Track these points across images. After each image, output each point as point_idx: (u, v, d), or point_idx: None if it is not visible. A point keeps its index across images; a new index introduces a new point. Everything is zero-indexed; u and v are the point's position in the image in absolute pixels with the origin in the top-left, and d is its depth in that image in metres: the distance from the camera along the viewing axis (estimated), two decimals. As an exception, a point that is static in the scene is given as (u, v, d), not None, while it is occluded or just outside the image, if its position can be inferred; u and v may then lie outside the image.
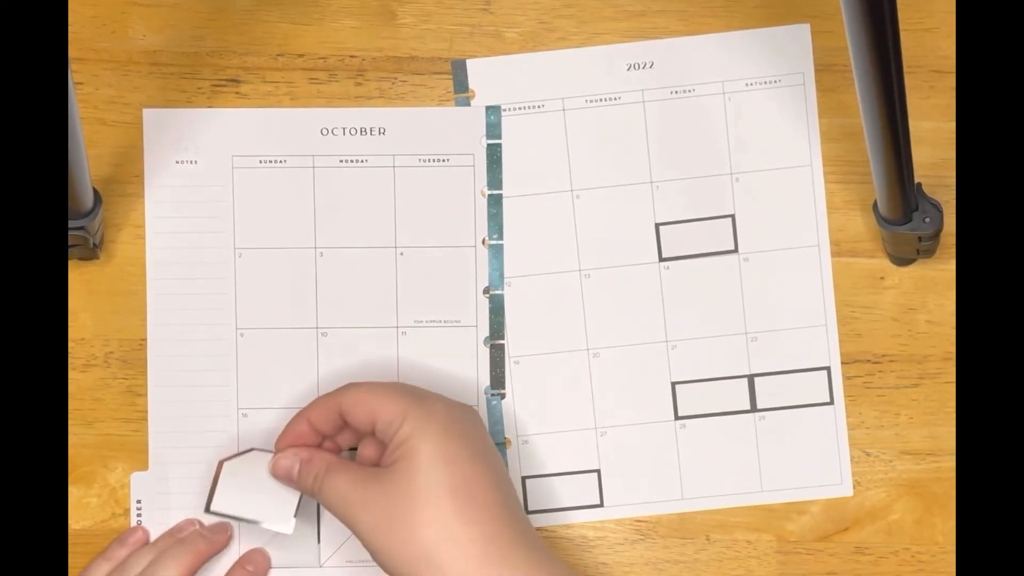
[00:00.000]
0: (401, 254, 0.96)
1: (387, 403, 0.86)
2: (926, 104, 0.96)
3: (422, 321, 0.96)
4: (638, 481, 0.96)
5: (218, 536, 0.93)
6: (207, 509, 0.92)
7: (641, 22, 0.97)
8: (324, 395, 0.90)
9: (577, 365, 0.96)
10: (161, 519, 0.94)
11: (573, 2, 0.97)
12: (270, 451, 0.91)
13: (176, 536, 0.93)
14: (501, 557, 0.83)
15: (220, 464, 0.92)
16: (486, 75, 0.97)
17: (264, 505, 0.91)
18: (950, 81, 0.96)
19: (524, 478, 0.96)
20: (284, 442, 0.90)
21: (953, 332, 0.95)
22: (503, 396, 0.96)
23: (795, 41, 0.97)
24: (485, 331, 0.96)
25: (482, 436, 0.88)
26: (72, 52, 0.96)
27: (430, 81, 0.97)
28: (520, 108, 0.97)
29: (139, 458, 0.95)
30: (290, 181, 0.96)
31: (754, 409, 0.96)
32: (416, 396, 0.87)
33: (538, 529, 0.95)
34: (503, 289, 0.96)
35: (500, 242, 0.97)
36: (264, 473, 0.91)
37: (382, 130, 0.97)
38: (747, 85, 0.97)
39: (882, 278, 0.96)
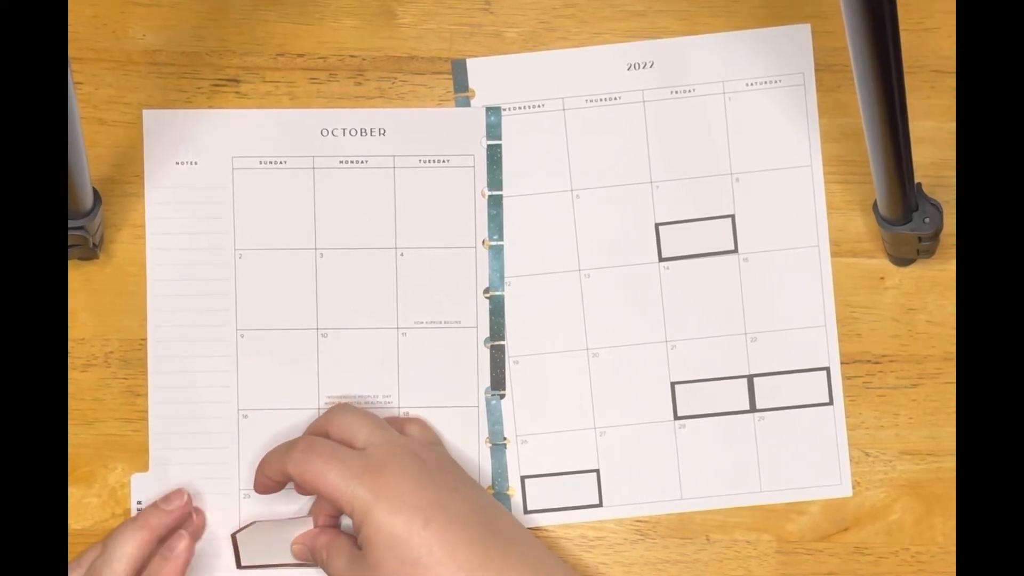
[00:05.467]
0: (401, 255, 0.96)
1: (330, 490, 0.88)
2: (926, 104, 0.96)
3: (422, 322, 0.96)
4: (637, 481, 0.96)
5: (173, 504, 0.93)
6: (239, 566, 0.93)
7: (641, 22, 0.97)
8: (271, 454, 0.92)
9: (577, 365, 0.96)
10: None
11: (573, 2, 0.98)
12: (268, 520, 0.94)
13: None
14: None
15: (233, 536, 0.93)
16: (486, 75, 0.97)
17: (285, 553, 0.93)
18: (950, 81, 0.97)
19: (524, 478, 0.96)
20: (257, 488, 0.93)
21: (953, 332, 0.95)
22: (503, 396, 0.96)
23: (795, 41, 0.97)
24: (485, 332, 0.96)
25: (434, 484, 0.88)
26: (72, 52, 0.96)
27: (430, 81, 0.97)
28: (520, 108, 0.97)
29: (139, 458, 0.95)
30: (290, 182, 0.96)
31: (753, 409, 0.96)
32: (356, 474, 0.88)
33: (538, 529, 0.95)
34: (503, 290, 0.96)
35: (500, 243, 0.97)
36: (273, 534, 0.93)
37: (382, 131, 0.97)
38: (747, 85, 0.97)
39: (882, 278, 0.96)
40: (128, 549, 0.89)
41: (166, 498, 0.93)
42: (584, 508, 0.96)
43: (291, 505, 0.94)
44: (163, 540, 0.92)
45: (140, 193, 0.97)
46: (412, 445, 0.90)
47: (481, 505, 0.89)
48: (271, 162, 0.97)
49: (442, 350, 0.96)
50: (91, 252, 0.95)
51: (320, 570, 0.92)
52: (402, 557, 0.86)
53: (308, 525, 0.92)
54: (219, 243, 0.96)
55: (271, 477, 0.92)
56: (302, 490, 0.91)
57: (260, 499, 0.94)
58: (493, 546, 0.87)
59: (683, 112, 0.97)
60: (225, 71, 0.97)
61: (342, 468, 0.88)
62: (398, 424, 0.94)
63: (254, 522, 0.94)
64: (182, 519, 0.93)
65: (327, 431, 0.91)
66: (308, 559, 0.92)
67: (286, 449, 0.91)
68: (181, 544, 0.91)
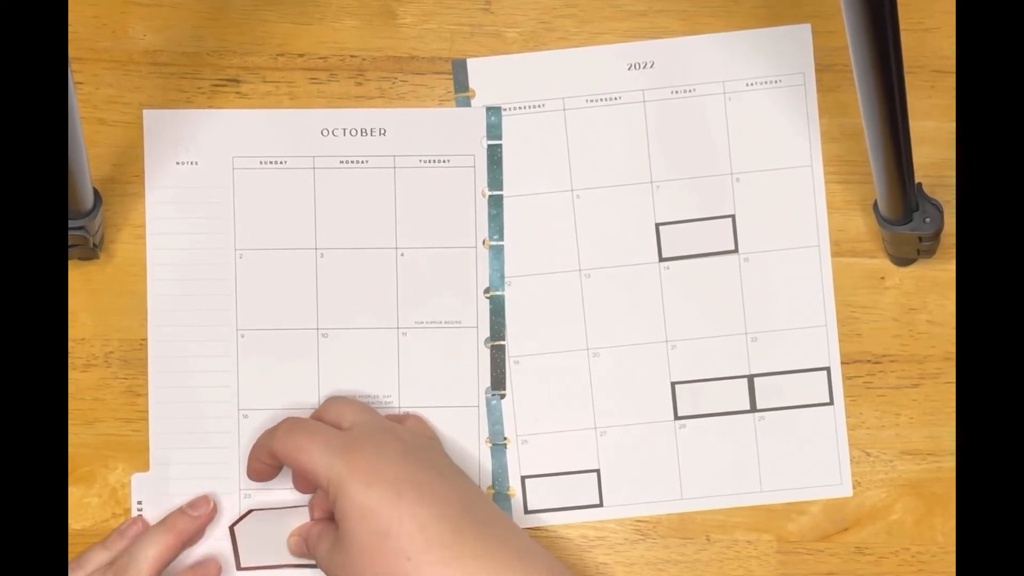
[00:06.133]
0: (402, 255, 0.96)
1: (308, 463, 0.88)
2: (926, 104, 0.96)
3: (423, 322, 0.96)
4: (638, 481, 0.96)
5: (199, 511, 0.94)
6: (238, 567, 0.94)
7: (641, 22, 0.97)
8: (261, 436, 0.93)
9: (577, 365, 0.96)
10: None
11: (573, 2, 0.98)
12: (266, 508, 0.94)
13: (122, 532, 0.94)
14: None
15: (231, 529, 0.94)
16: (486, 75, 0.97)
17: (284, 550, 0.93)
18: (950, 81, 0.97)
19: (524, 478, 0.96)
20: (250, 474, 0.94)
21: (953, 332, 0.95)
22: (503, 396, 0.96)
23: (795, 41, 0.97)
24: (486, 332, 0.96)
25: (412, 463, 0.88)
26: (72, 52, 0.96)
27: (430, 81, 0.97)
28: (520, 108, 0.97)
29: (139, 458, 0.95)
30: (290, 182, 0.96)
31: (754, 409, 0.96)
32: (335, 448, 0.88)
33: (538, 529, 0.95)
34: (503, 290, 0.96)
35: (501, 243, 0.97)
36: (271, 527, 0.93)
37: (383, 131, 0.97)
38: (747, 85, 0.97)
39: (882, 278, 0.96)
40: (153, 552, 0.91)
41: (192, 504, 0.94)
42: (584, 508, 0.96)
43: (290, 495, 0.94)
44: (186, 544, 0.93)
45: (140, 193, 0.97)
46: (398, 429, 0.91)
47: (461, 488, 0.89)
48: (271, 162, 0.97)
49: (442, 350, 0.96)
50: (91, 252, 0.95)
51: (318, 571, 0.92)
52: (373, 529, 0.85)
53: (304, 516, 0.92)
54: (219, 243, 0.96)
55: (261, 460, 0.92)
56: (296, 483, 0.92)
57: (260, 500, 0.94)
58: (468, 525, 0.86)
59: (683, 112, 0.97)
60: (225, 71, 0.97)
61: (323, 444, 0.88)
62: (395, 420, 0.94)
63: (251, 511, 0.94)
64: (207, 525, 0.94)
65: (320, 420, 0.92)
66: (303, 551, 0.92)
67: (272, 430, 0.91)
68: (214, 567, 0.94)
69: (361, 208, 0.96)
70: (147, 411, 0.95)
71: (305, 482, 0.92)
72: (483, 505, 0.89)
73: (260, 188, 0.97)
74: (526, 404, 0.96)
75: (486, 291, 0.96)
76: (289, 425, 0.91)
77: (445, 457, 0.92)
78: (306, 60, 0.98)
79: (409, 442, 0.89)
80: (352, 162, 0.97)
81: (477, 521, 0.87)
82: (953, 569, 0.94)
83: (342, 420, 0.91)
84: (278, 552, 0.93)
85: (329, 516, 0.92)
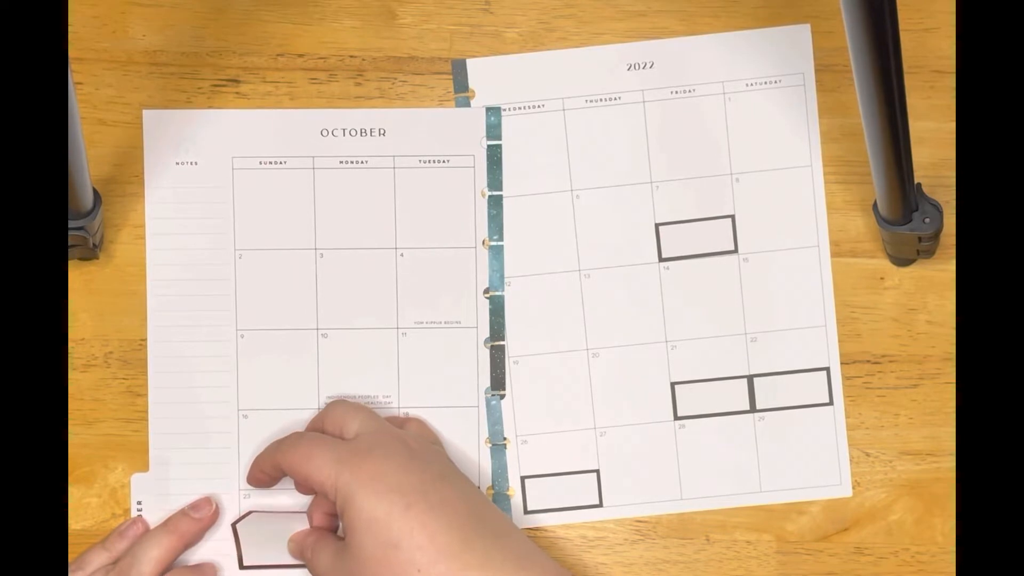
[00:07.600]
0: (401, 255, 0.96)
1: (316, 473, 0.88)
2: (926, 104, 0.96)
3: (422, 322, 0.96)
4: (637, 481, 0.96)
5: (201, 512, 0.94)
6: (241, 565, 0.94)
7: (641, 22, 0.97)
8: (265, 449, 0.93)
9: (577, 365, 0.96)
10: (161, 520, 0.94)
11: (573, 2, 0.98)
12: (266, 511, 0.94)
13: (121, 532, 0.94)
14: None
15: (233, 527, 0.94)
16: (486, 75, 0.97)
17: (283, 546, 0.93)
18: (950, 81, 0.97)
19: (523, 478, 0.96)
20: (250, 481, 0.94)
21: (953, 332, 0.95)
22: (503, 396, 0.96)
23: (795, 41, 0.97)
24: (485, 332, 0.96)
25: (419, 470, 0.88)
26: (72, 52, 0.96)
27: (430, 81, 0.97)
28: (520, 108, 0.97)
29: (139, 458, 0.95)
30: (290, 182, 0.97)
31: (753, 410, 0.96)
32: (342, 458, 0.88)
33: (538, 529, 0.95)
34: (503, 290, 0.96)
35: (500, 243, 0.97)
36: (272, 527, 0.93)
37: (382, 131, 0.97)
38: (747, 85, 0.97)
39: (882, 278, 0.96)
40: (156, 553, 0.92)
41: (194, 506, 0.94)
42: (584, 508, 0.96)
43: (290, 499, 0.94)
44: (188, 545, 0.94)
45: (140, 193, 0.97)
46: (403, 435, 0.91)
47: (468, 496, 0.89)
48: (271, 162, 0.97)
49: (442, 350, 0.96)
50: (91, 252, 0.95)
51: (320, 571, 0.92)
52: (382, 540, 0.85)
53: (304, 522, 0.93)
54: (219, 243, 0.96)
55: (264, 470, 0.92)
56: (299, 487, 0.92)
57: (259, 501, 0.94)
58: (476, 535, 0.86)
59: (683, 112, 0.97)
60: (225, 71, 0.97)
61: (328, 453, 0.88)
62: (397, 423, 0.94)
63: (251, 512, 0.94)
64: (209, 526, 0.94)
65: (323, 426, 0.92)
66: (299, 558, 0.92)
67: (277, 442, 0.92)
68: (211, 570, 0.94)
69: (361, 208, 0.96)
70: (147, 411, 0.96)
71: (308, 489, 0.92)
72: (488, 511, 0.89)
73: (260, 188, 0.97)
74: (526, 404, 0.96)
75: (486, 291, 0.96)
76: (294, 437, 0.91)
77: (449, 462, 0.92)
78: (306, 60, 0.98)
79: (415, 448, 0.89)
80: (352, 162, 0.97)
81: (483, 529, 0.87)
82: (953, 569, 0.94)
83: (345, 426, 0.91)
84: (280, 552, 0.93)
85: (328, 522, 0.92)
